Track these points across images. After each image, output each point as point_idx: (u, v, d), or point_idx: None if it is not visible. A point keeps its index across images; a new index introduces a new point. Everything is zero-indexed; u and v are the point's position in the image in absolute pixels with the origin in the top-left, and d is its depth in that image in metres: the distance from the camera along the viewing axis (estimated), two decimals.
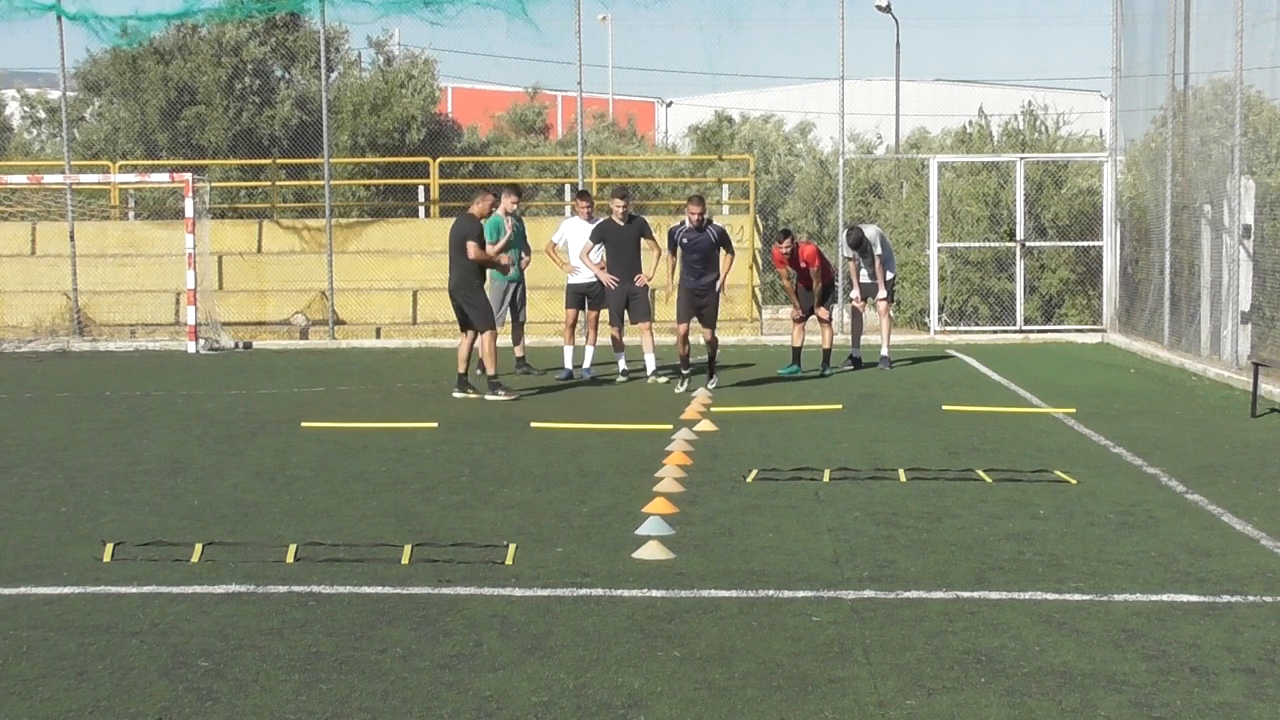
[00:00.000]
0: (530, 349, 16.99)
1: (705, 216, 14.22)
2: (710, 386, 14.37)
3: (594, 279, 15.44)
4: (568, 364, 15.79)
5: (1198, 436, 11.42)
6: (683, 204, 15.49)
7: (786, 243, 15.87)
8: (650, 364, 15.27)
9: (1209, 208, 17.07)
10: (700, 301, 14.28)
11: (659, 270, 15.29)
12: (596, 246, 15.20)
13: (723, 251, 14.30)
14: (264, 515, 8.48)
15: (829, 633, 5.96)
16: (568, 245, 15.79)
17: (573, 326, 15.87)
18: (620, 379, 15.33)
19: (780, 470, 9.74)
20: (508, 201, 15.84)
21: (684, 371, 14.52)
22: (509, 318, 16.11)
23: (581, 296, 15.72)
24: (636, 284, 14.97)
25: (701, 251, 14.18)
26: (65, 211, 22.79)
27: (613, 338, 15.50)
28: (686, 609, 6.33)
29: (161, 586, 6.78)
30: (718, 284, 14.32)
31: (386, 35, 32.42)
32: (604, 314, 15.62)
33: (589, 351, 15.94)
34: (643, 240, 15.09)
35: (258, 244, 23.89)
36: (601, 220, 15.33)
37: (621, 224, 15.01)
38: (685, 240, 14.19)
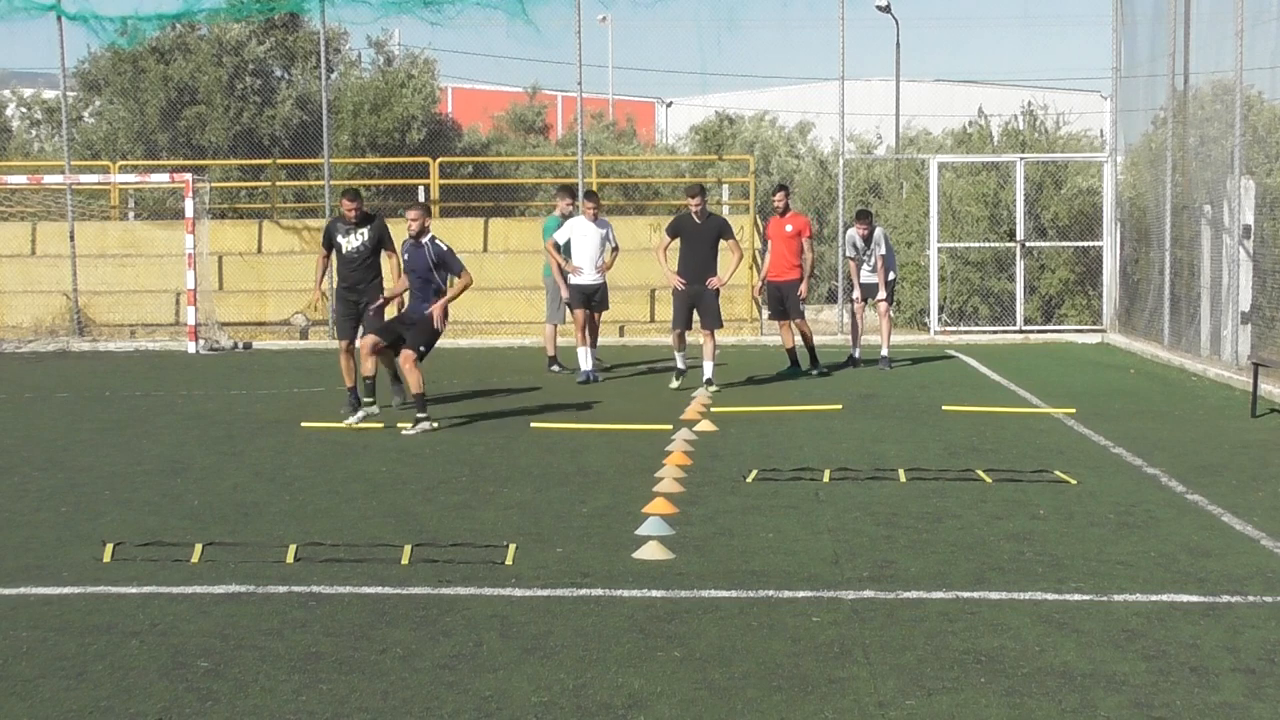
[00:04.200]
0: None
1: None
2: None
3: (599, 280, 15.28)
4: (584, 365, 15.37)
5: (1198, 436, 11.41)
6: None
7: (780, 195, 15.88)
8: (708, 370, 14.49)
9: (1209, 208, 17.07)
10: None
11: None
12: (567, 241, 15.23)
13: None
14: (264, 515, 8.48)
15: (829, 633, 5.96)
16: (572, 245, 15.35)
17: (583, 328, 15.42)
18: (674, 384, 14.58)
19: (780, 470, 9.74)
20: (563, 204, 15.80)
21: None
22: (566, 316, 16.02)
23: (588, 297, 15.34)
24: (709, 286, 14.40)
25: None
26: (65, 211, 22.79)
27: (675, 338, 14.67)
28: (686, 609, 6.33)
29: (161, 586, 6.78)
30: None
31: (386, 35, 32.45)
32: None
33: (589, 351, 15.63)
34: (721, 241, 14.56)
35: (258, 244, 23.89)
36: (678, 214, 15.04)
37: (699, 220, 14.43)
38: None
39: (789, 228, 15.66)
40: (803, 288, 15.83)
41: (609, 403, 13.72)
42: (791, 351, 16.01)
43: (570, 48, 26.81)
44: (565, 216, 15.96)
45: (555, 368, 16.39)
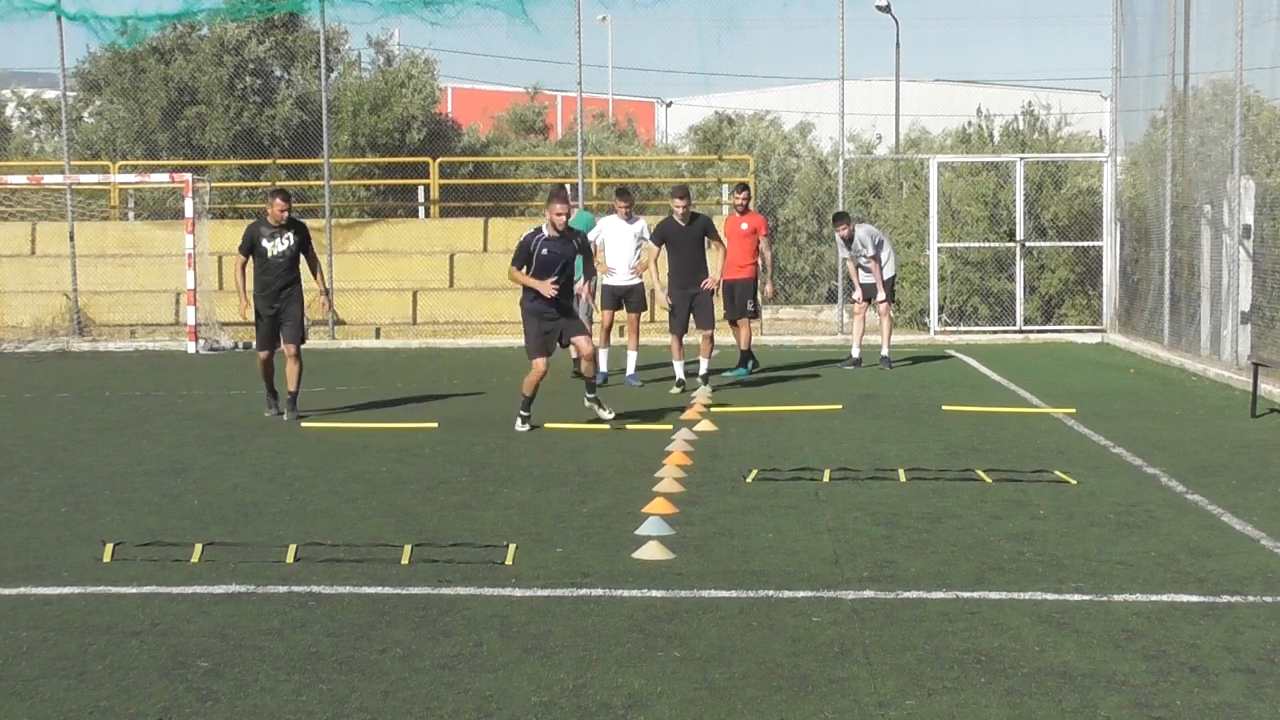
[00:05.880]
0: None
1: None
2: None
3: (633, 281, 14.80)
4: (603, 367, 14.97)
5: (1198, 436, 11.41)
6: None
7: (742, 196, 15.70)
8: (704, 367, 14.35)
9: (1209, 208, 17.07)
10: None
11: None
12: (603, 246, 14.66)
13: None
14: (264, 515, 8.48)
15: (829, 633, 5.96)
16: (604, 245, 14.76)
17: (608, 329, 15.21)
18: (675, 389, 14.38)
19: (780, 470, 9.74)
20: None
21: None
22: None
23: (619, 299, 14.91)
24: (703, 288, 14.24)
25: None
26: (65, 211, 22.81)
27: (674, 344, 14.50)
28: (686, 609, 6.33)
29: (161, 586, 6.78)
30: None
31: (386, 35, 32.41)
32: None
33: (632, 357, 15.23)
34: (706, 240, 14.34)
35: None
36: (662, 219, 14.68)
37: (683, 224, 14.29)
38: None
39: (744, 226, 15.44)
40: (769, 287, 15.73)
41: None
42: (745, 353, 15.37)
43: (570, 48, 26.84)
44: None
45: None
